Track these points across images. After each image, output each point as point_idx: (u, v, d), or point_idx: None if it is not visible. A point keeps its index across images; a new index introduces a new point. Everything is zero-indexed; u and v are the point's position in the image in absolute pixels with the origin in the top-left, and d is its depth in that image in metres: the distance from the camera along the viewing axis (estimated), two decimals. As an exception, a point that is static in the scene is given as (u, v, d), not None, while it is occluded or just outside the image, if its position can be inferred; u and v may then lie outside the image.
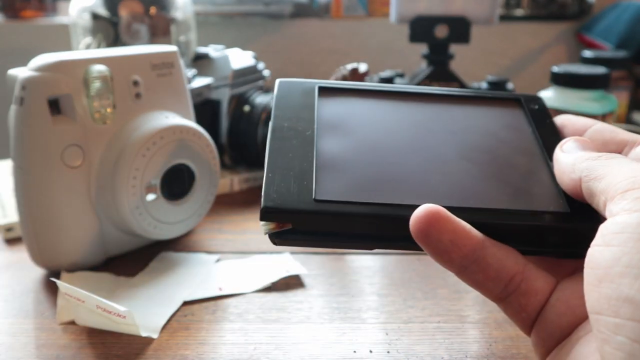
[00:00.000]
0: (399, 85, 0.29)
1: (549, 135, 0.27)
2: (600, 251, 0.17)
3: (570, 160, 0.22)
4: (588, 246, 0.18)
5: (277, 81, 0.29)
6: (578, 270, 0.22)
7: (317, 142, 0.25)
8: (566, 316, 0.20)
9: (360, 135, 0.26)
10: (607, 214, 0.18)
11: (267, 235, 0.22)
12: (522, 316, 0.21)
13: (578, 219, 0.22)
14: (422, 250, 0.21)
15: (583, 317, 0.20)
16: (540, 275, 0.21)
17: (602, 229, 0.18)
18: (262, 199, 0.22)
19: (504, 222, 0.22)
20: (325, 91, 0.28)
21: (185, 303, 0.33)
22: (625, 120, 0.67)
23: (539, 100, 0.29)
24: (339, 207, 0.22)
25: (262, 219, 0.22)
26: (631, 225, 0.17)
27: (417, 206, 0.21)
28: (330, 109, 0.27)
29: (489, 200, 0.23)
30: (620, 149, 0.23)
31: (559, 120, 0.27)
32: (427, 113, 0.28)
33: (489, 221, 0.22)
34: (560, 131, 0.27)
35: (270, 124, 0.26)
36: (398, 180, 0.24)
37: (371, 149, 0.25)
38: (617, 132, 0.24)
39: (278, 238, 0.22)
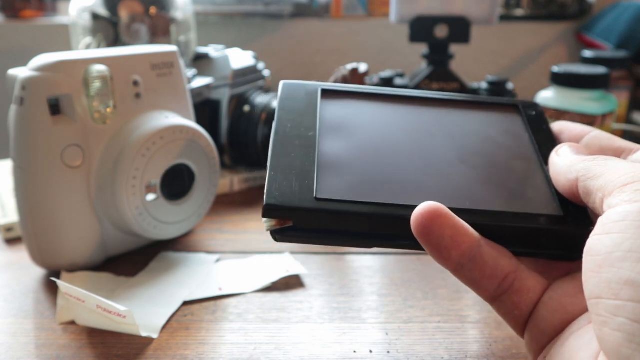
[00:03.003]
0: (400, 90, 0.30)
1: (545, 141, 0.27)
2: (600, 239, 0.17)
3: (567, 162, 0.23)
4: (579, 250, 0.19)
5: (282, 83, 0.29)
6: (571, 272, 0.22)
7: (319, 143, 0.26)
8: (559, 313, 0.21)
9: (361, 137, 0.26)
10: (605, 208, 0.19)
11: (269, 232, 0.23)
12: (514, 314, 0.22)
13: (571, 222, 0.23)
14: (419, 249, 0.22)
15: (575, 315, 0.20)
16: (532, 275, 0.22)
17: (602, 219, 0.18)
18: (265, 196, 0.22)
19: (499, 224, 0.22)
20: (327, 93, 0.29)
21: (185, 303, 0.33)
22: (625, 120, 0.67)
23: (536, 107, 0.30)
24: (338, 205, 0.22)
25: (264, 216, 0.22)
26: (632, 213, 0.17)
27: (415, 206, 0.21)
28: (332, 111, 0.28)
29: (485, 203, 0.23)
30: (617, 156, 0.24)
31: (557, 126, 0.28)
32: (428, 117, 0.28)
33: (484, 222, 0.22)
34: (557, 137, 0.27)
35: (274, 124, 0.27)
36: (397, 181, 0.24)
37: (372, 150, 0.26)
38: (614, 140, 0.24)
39: (279, 235, 0.23)
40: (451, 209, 0.21)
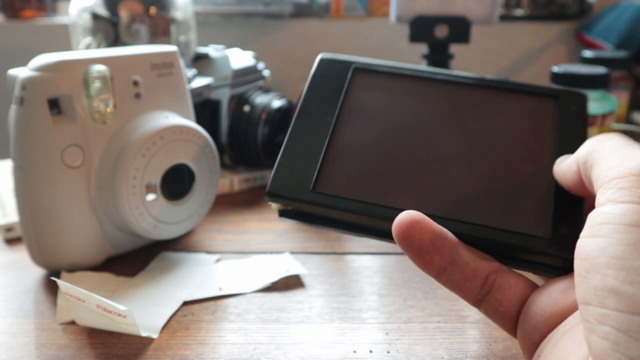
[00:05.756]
0: (437, 71, 0.29)
1: (572, 144, 0.24)
2: (588, 242, 0.18)
3: (571, 157, 0.22)
4: (559, 273, 0.19)
5: (319, 56, 0.29)
6: None
7: (333, 131, 0.26)
8: (549, 307, 0.21)
9: (375, 127, 0.26)
10: (596, 203, 0.19)
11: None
12: (500, 312, 0.22)
13: (555, 247, 0.22)
14: None
15: (566, 308, 0.20)
16: (514, 273, 0.22)
17: (590, 219, 0.18)
18: (269, 182, 0.25)
19: (483, 237, 0.23)
20: (359, 73, 0.28)
21: (185, 303, 0.33)
22: (625, 121, 0.67)
23: (580, 101, 0.26)
24: (331, 200, 0.24)
25: (267, 200, 0.25)
26: (616, 215, 0.17)
27: (401, 209, 0.22)
28: (356, 95, 0.28)
29: (474, 214, 0.23)
30: None
31: None
32: (454, 105, 0.27)
33: (467, 233, 0.22)
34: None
35: (300, 102, 0.27)
36: (396, 179, 0.24)
37: (382, 143, 0.26)
38: None
39: (283, 215, 0.26)
40: (437, 216, 0.22)
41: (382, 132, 0.26)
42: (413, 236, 0.21)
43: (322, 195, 0.24)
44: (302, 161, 0.25)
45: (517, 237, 0.22)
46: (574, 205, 0.23)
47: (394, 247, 0.39)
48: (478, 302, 0.22)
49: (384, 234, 0.23)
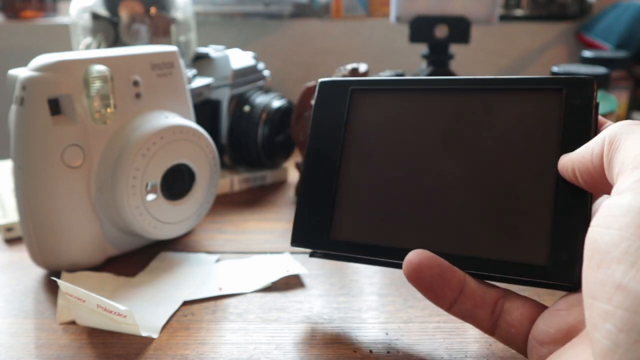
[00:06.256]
0: (433, 79, 0.28)
1: (576, 144, 0.22)
2: (601, 234, 0.17)
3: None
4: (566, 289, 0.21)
5: (319, 81, 0.30)
6: None
7: (339, 171, 0.28)
8: (555, 321, 0.21)
9: (378, 159, 0.27)
10: (614, 190, 0.18)
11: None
12: (512, 333, 0.22)
13: (551, 274, 0.22)
14: None
15: (573, 325, 0.20)
16: (520, 295, 0.23)
17: (605, 208, 0.17)
18: (292, 231, 0.28)
19: (483, 273, 0.24)
20: (357, 95, 0.29)
21: (185, 303, 0.33)
22: (625, 121, 0.67)
23: (584, 92, 0.23)
24: (348, 247, 0.27)
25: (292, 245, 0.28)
26: (635, 209, 0.16)
27: (410, 249, 0.24)
28: (357, 123, 0.28)
29: (475, 247, 0.24)
30: None
31: None
32: (453, 120, 0.26)
33: (469, 270, 0.24)
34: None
35: (307, 143, 0.29)
36: (401, 217, 0.26)
37: (385, 177, 0.27)
38: None
39: (312, 256, 0.29)
40: (440, 252, 0.23)
41: (383, 164, 0.27)
42: (423, 273, 0.23)
43: (338, 242, 0.27)
44: (316, 208, 0.28)
45: (515, 268, 0.23)
46: (574, 227, 0.22)
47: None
48: (491, 329, 0.23)
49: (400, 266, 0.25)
